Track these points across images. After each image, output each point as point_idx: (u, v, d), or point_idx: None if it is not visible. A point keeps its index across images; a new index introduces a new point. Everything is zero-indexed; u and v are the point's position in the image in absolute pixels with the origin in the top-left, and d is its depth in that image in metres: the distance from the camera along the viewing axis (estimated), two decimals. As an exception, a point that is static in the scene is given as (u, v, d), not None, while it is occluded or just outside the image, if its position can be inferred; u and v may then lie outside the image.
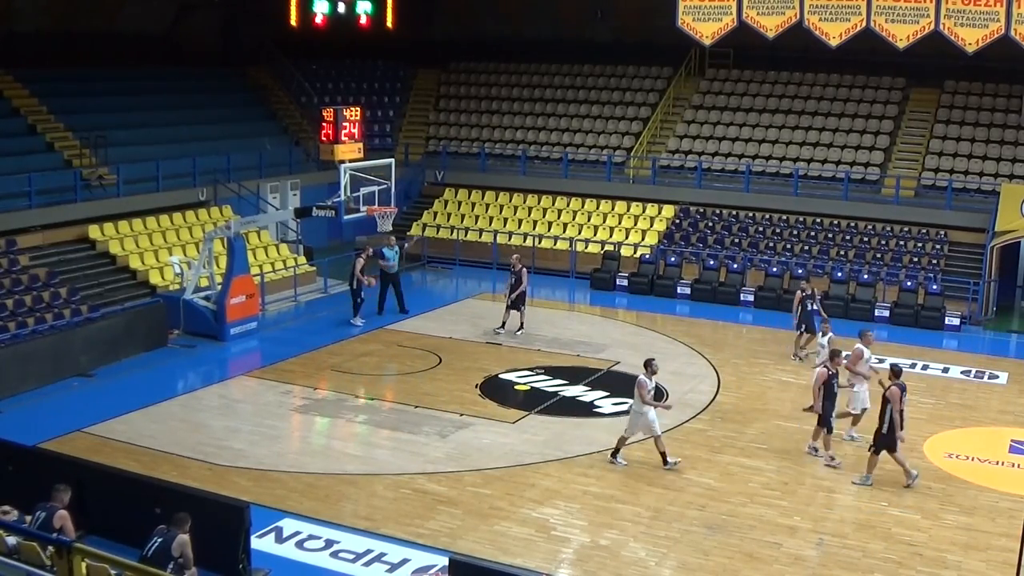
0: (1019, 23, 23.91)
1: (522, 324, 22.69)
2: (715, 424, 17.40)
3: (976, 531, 13.47)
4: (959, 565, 12.56)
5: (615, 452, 15.49)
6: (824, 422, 15.52)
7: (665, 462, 15.28)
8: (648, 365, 15.31)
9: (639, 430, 15.35)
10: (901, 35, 25.32)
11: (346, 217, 22.71)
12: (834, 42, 26.08)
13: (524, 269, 22.81)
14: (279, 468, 15.18)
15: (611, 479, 14.98)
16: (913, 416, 17.77)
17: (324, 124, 25.89)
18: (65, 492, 11.11)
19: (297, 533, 13.06)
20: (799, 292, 21.21)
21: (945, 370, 20.72)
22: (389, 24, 32.57)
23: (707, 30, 27.28)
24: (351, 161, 23.31)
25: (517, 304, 22.57)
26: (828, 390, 15.41)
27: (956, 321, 23.82)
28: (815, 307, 20.94)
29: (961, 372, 20.57)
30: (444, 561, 11.50)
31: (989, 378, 20.37)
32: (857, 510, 14.03)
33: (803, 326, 20.89)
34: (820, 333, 18.36)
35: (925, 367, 20.78)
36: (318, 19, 30.64)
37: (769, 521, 13.65)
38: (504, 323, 22.75)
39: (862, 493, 14.62)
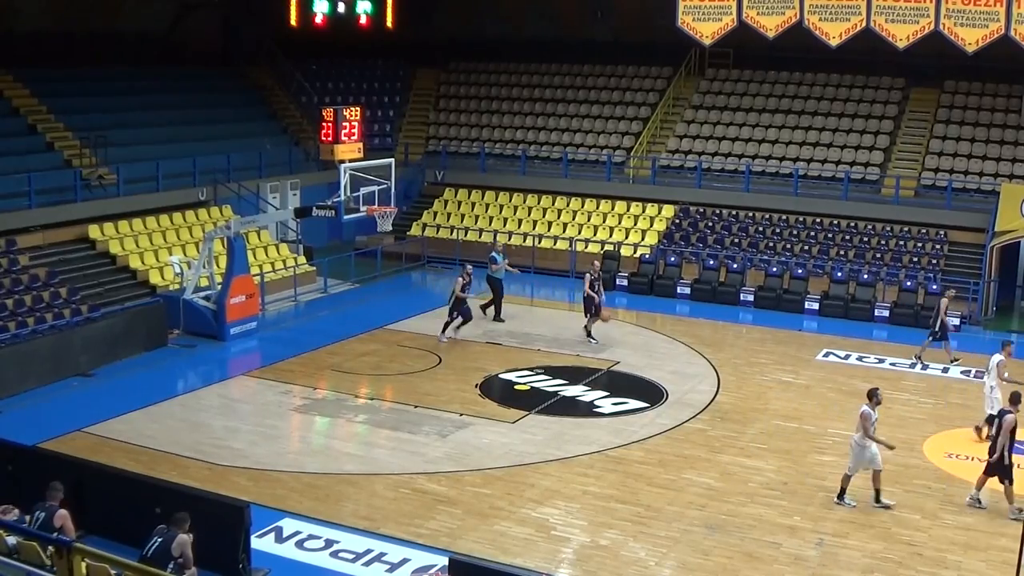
0: (1019, 23, 23.94)
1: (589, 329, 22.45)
2: (715, 424, 17.39)
3: (976, 531, 13.46)
4: (959, 565, 12.55)
5: (841, 493, 14.17)
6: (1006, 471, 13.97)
7: (877, 499, 14.08)
8: (872, 395, 14.10)
9: (863, 465, 14.09)
10: (901, 35, 25.36)
11: (346, 217, 22.75)
12: (834, 42, 26.12)
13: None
14: (279, 468, 15.17)
15: (611, 479, 14.97)
16: (913, 416, 17.84)
17: (324, 124, 25.98)
18: (59, 490, 11.12)
19: (297, 533, 13.05)
20: (945, 299, 21.15)
21: (945, 370, 20.69)
22: (389, 24, 32.61)
23: (707, 30, 27.32)
24: (351, 161, 23.39)
25: (596, 310, 22.29)
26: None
27: (956, 321, 23.78)
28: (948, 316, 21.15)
29: (961, 372, 20.56)
30: (444, 561, 11.49)
31: (989, 378, 20.38)
32: (857, 510, 14.01)
33: (941, 334, 20.92)
34: (1003, 350, 17.03)
35: (925, 367, 20.79)
36: (318, 19, 30.71)
37: (769, 521, 13.64)
38: (589, 331, 22.40)
39: (861, 493, 14.61)
